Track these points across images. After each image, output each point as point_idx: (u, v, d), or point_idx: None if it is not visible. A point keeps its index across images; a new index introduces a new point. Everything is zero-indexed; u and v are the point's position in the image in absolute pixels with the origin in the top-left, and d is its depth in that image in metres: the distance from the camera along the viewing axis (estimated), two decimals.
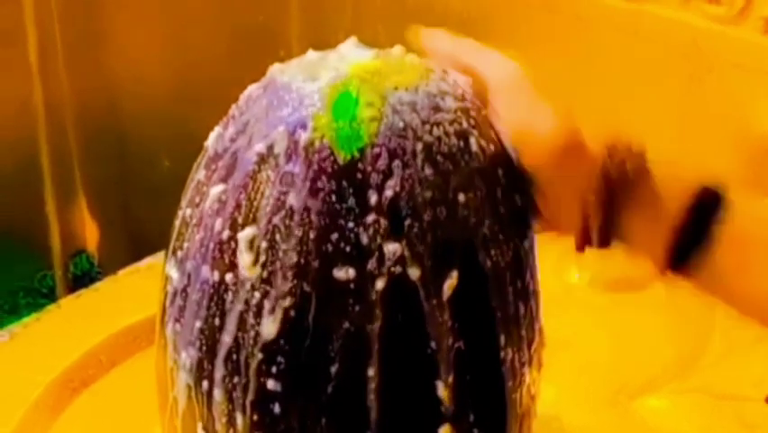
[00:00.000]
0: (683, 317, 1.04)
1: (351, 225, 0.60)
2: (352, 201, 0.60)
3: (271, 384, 0.62)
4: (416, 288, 0.61)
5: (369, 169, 0.61)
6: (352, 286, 0.60)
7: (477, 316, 0.65)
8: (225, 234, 0.63)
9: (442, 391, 0.62)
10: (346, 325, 0.61)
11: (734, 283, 0.70)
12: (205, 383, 0.64)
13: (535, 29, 1.42)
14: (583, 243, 0.71)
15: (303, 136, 0.62)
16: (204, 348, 0.64)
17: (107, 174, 2.09)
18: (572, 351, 0.97)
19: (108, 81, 2.01)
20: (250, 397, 0.62)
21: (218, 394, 0.64)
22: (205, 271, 0.64)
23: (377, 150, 0.61)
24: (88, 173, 2.09)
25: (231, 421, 0.64)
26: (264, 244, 0.61)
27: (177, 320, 0.65)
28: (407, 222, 0.61)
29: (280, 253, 0.61)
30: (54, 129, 2.00)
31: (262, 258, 0.61)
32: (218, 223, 0.63)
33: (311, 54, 0.67)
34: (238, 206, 0.62)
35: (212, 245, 0.63)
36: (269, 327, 0.61)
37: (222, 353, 0.63)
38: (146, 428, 0.85)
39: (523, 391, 0.69)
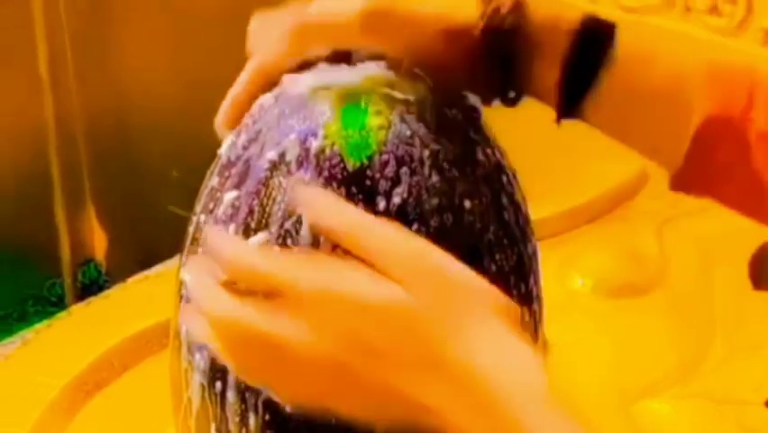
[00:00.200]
0: (685, 323, 1.06)
1: None
2: (360, 207, 0.62)
3: None
4: None
5: (377, 176, 0.63)
6: None
7: None
8: None
9: None
10: None
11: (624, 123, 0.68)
12: (218, 384, 0.66)
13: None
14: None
15: (314, 144, 0.64)
16: None
17: (116, 184, 2.10)
18: (575, 356, 0.99)
19: (117, 94, 2.02)
20: (262, 397, 0.64)
21: (231, 395, 0.66)
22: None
23: (385, 157, 0.63)
24: (97, 183, 2.11)
25: (243, 421, 0.66)
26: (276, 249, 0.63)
27: None
28: (415, 228, 0.63)
29: None
30: (64, 140, 2.02)
31: None
32: (231, 228, 0.65)
33: (322, 65, 0.69)
34: (251, 211, 0.64)
35: None
36: None
37: None
38: (158, 430, 0.87)
39: None
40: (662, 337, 1.05)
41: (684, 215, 1.19)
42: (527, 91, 0.67)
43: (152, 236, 2.02)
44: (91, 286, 2.10)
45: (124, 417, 0.92)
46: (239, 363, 0.58)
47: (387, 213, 0.62)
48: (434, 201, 0.64)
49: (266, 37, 0.68)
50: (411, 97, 0.65)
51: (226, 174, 0.67)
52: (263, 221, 0.64)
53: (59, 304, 2.04)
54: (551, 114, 0.69)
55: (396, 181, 0.63)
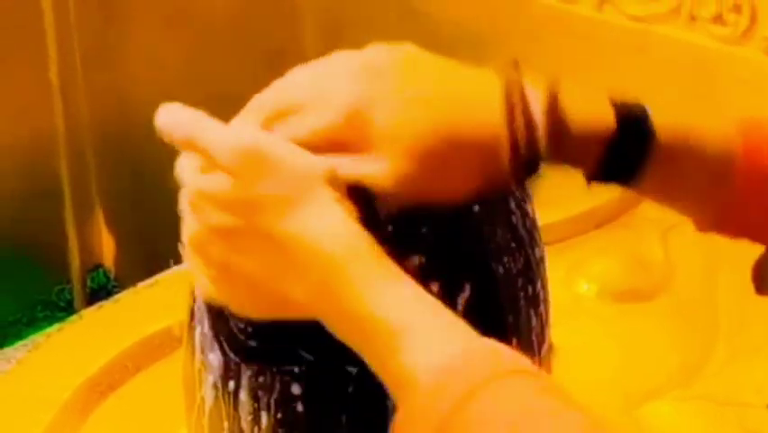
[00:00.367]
0: (688, 326, 1.07)
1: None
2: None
3: (294, 384, 0.65)
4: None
5: None
6: None
7: (489, 321, 0.68)
8: None
9: None
10: None
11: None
12: (231, 384, 0.67)
13: (545, 48, 1.44)
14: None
15: None
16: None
17: (124, 192, 2.12)
18: (580, 359, 1.00)
19: (126, 102, 2.04)
20: (274, 395, 0.66)
21: (244, 394, 0.67)
22: None
23: None
24: (106, 191, 2.12)
25: (256, 420, 0.67)
26: None
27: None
28: (424, 231, 0.64)
29: None
30: (73, 148, 2.04)
31: None
32: None
33: None
34: None
35: None
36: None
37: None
38: (170, 430, 0.88)
39: None
40: (666, 341, 1.06)
41: (688, 222, 1.20)
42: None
43: (160, 242, 2.04)
44: (100, 291, 2.12)
45: (137, 417, 0.94)
46: None
47: (394, 218, 0.63)
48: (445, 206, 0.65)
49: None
50: None
51: None
52: None
53: (68, 309, 2.06)
54: None
55: None
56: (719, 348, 1.04)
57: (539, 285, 0.72)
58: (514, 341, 0.70)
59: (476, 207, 0.66)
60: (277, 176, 0.59)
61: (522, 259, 0.69)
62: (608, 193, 1.31)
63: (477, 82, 0.64)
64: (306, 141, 0.61)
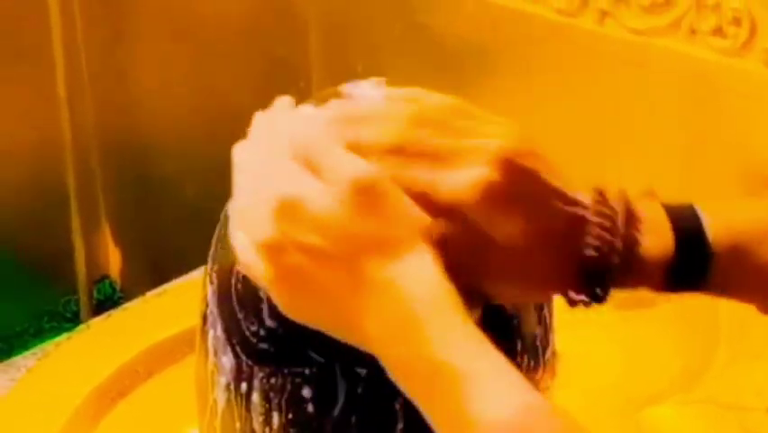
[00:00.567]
0: (689, 332, 1.08)
1: None
2: None
3: (305, 386, 0.67)
4: None
5: None
6: None
7: (495, 326, 0.69)
8: None
9: None
10: None
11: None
12: (243, 385, 0.69)
13: (546, 61, 1.45)
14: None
15: None
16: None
17: (130, 203, 2.13)
18: (584, 364, 1.01)
19: (132, 114, 2.06)
20: (285, 397, 0.67)
21: (256, 395, 0.69)
22: None
23: None
24: (112, 202, 2.14)
25: (267, 420, 0.69)
26: None
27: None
28: None
29: None
30: (80, 159, 2.05)
31: None
32: None
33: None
34: None
35: None
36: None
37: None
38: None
39: None
40: (668, 346, 1.07)
41: None
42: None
43: (166, 254, 2.05)
44: (106, 302, 2.13)
45: (147, 422, 0.95)
46: None
47: None
48: None
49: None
50: None
51: None
52: None
53: (75, 320, 2.07)
54: None
55: None
56: (720, 353, 1.05)
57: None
58: (519, 344, 0.72)
59: None
60: (386, 218, 0.59)
61: None
62: None
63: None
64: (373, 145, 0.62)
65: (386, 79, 0.70)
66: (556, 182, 0.64)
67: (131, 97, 2.04)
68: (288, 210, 0.60)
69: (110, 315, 1.22)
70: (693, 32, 1.32)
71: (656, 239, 0.66)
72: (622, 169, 1.38)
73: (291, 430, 0.68)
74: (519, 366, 0.70)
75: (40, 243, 2.06)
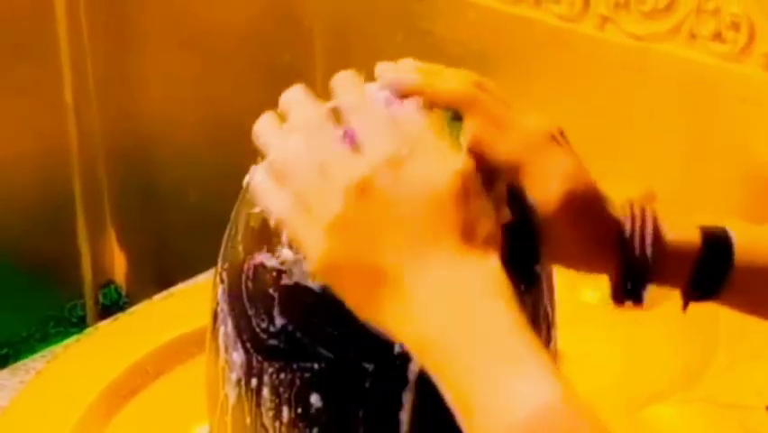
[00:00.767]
0: (690, 333, 1.08)
1: None
2: None
3: (314, 380, 0.68)
4: None
5: None
6: None
7: None
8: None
9: None
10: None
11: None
12: (254, 381, 0.71)
13: (547, 66, 1.47)
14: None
15: None
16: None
17: (136, 209, 2.15)
18: (586, 363, 1.02)
19: (138, 119, 2.07)
20: (294, 391, 0.69)
21: (266, 390, 0.70)
22: None
23: None
24: (118, 208, 2.15)
25: (277, 415, 0.70)
26: None
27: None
28: None
29: None
30: (86, 165, 2.07)
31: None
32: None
33: None
34: None
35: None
36: None
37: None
38: (189, 430, 0.92)
39: None
40: (669, 346, 1.08)
41: None
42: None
43: (171, 258, 2.07)
44: (111, 307, 2.15)
45: (158, 419, 0.97)
46: None
47: None
48: None
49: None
50: None
51: None
52: None
53: (80, 325, 2.09)
54: None
55: None
56: (720, 353, 1.05)
57: (546, 300, 0.76)
58: None
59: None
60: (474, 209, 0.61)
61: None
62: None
63: None
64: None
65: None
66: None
67: (136, 104, 2.06)
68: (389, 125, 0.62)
69: (117, 318, 1.23)
70: (693, 36, 1.33)
71: (684, 235, 0.70)
72: (623, 172, 1.39)
73: (300, 424, 0.69)
74: None
75: (46, 248, 2.08)
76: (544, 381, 0.57)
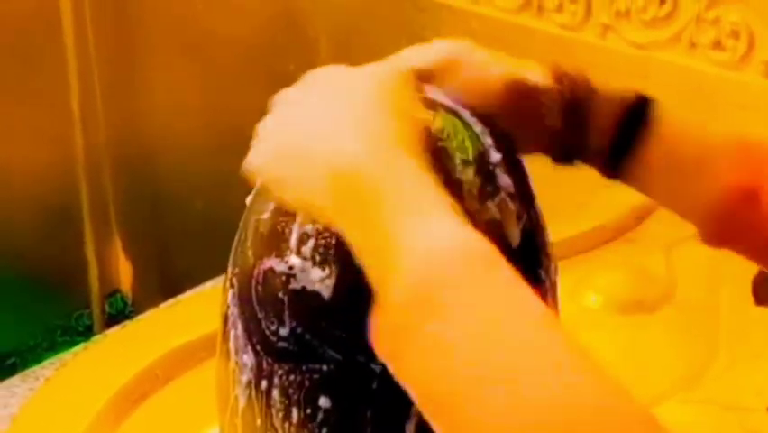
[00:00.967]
0: (690, 335, 1.10)
1: None
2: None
3: (323, 382, 0.70)
4: None
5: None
6: None
7: None
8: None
9: None
10: None
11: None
12: (264, 382, 0.72)
13: None
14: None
15: None
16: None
17: (142, 219, 2.16)
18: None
19: (144, 128, 2.08)
20: (304, 393, 0.70)
21: (276, 392, 0.71)
22: None
23: None
24: (124, 218, 2.17)
25: (287, 416, 0.71)
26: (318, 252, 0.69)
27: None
28: None
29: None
30: (92, 176, 2.08)
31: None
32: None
33: None
34: None
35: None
36: None
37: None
38: None
39: None
40: (670, 349, 1.09)
41: (690, 237, 1.23)
42: (579, 153, 0.76)
43: (176, 268, 2.08)
44: (117, 316, 2.16)
45: (168, 423, 0.98)
46: None
47: None
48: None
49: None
50: None
51: None
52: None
53: (87, 334, 2.10)
54: None
55: None
56: (721, 355, 1.06)
57: (549, 298, 0.77)
58: None
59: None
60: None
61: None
62: (615, 211, 1.35)
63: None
64: None
65: None
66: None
67: (142, 114, 2.07)
68: None
69: (125, 325, 1.24)
70: (693, 45, 1.34)
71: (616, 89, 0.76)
72: None
73: (310, 425, 0.70)
74: None
75: (52, 258, 2.09)
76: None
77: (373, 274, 0.60)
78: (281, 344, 0.70)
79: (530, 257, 0.74)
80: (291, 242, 0.69)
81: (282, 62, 1.80)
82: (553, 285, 0.79)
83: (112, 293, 2.19)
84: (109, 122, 2.06)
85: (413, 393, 0.57)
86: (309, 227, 0.69)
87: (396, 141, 0.62)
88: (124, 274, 2.20)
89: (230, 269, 0.75)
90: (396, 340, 0.57)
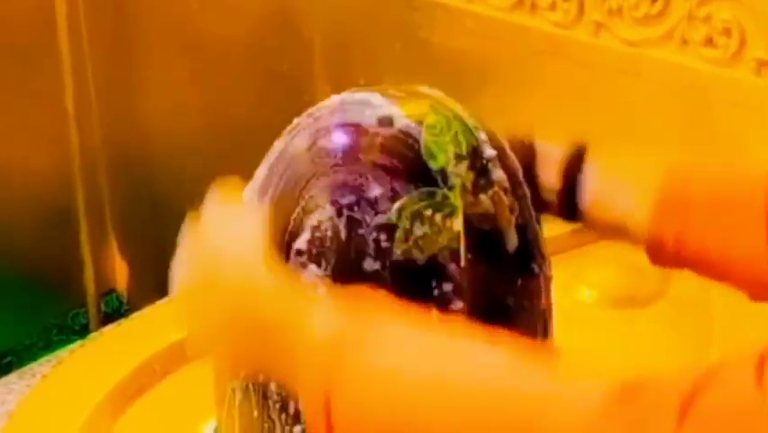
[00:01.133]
0: (683, 331, 1.10)
1: None
2: None
3: None
4: None
5: None
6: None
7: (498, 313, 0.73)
8: None
9: None
10: None
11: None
12: (260, 375, 0.73)
13: (543, 72, 1.48)
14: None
15: None
16: None
17: (137, 218, 2.16)
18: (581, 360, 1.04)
19: (139, 128, 2.08)
20: None
21: (273, 385, 0.72)
22: None
23: None
24: (120, 217, 2.17)
25: (284, 407, 0.72)
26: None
27: None
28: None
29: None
30: (88, 176, 2.08)
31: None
32: None
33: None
34: None
35: None
36: None
37: None
38: (195, 428, 0.94)
39: None
40: (663, 344, 1.09)
41: None
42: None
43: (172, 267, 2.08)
44: (113, 315, 2.16)
45: (165, 418, 0.98)
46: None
47: None
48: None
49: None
50: None
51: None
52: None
53: (83, 333, 2.10)
54: None
55: None
56: (713, 350, 1.07)
57: (543, 294, 0.78)
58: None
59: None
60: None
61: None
62: None
63: None
64: None
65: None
66: None
67: (137, 113, 2.07)
68: None
69: (121, 323, 1.25)
70: (685, 42, 1.34)
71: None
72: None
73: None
74: None
75: (48, 257, 2.09)
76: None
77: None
78: None
79: (524, 251, 0.75)
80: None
81: (277, 62, 1.80)
82: (547, 279, 0.80)
83: (108, 292, 2.20)
84: (104, 122, 2.06)
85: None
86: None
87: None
88: (120, 273, 2.20)
89: None
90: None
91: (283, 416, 0.72)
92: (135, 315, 1.29)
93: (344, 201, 0.70)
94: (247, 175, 0.80)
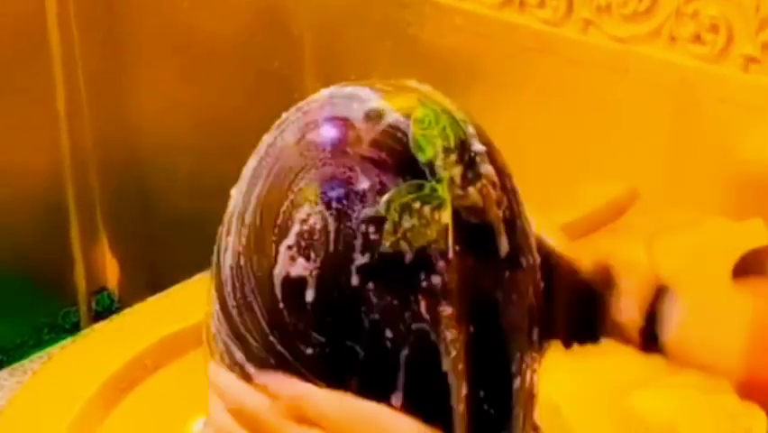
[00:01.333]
0: None
1: None
2: None
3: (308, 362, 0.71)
4: None
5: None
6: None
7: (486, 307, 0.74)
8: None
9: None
10: (375, 317, 0.70)
11: None
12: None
13: (532, 69, 1.50)
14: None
15: None
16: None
17: (128, 216, 2.17)
18: (571, 355, 1.05)
19: (130, 127, 2.09)
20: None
21: None
22: None
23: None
24: (110, 216, 2.17)
25: None
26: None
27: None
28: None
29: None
30: (79, 175, 2.09)
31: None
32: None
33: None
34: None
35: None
36: None
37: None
38: (186, 422, 0.94)
39: (526, 378, 0.77)
40: None
41: (670, 229, 1.25)
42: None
43: (162, 266, 2.08)
44: (104, 313, 2.17)
45: (156, 410, 0.99)
46: None
47: None
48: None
49: None
50: None
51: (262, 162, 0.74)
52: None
53: (74, 331, 2.10)
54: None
55: None
56: None
57: (531, 288, 0.79)
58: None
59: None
60: None
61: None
62: (595, 203, 1.36)
63: None
64: None
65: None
66: None
67: (128, 113, 2.08)
68: None
69: (113, 319, 1.25)
70: (673, 39, 1.36)
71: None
72: (605, 171, 1.42)
73: None
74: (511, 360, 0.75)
75: (39, 256, 2.09)
76: None
77: None
78: (269, 353, 0.71)
79: (512, 245, 0.76)
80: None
81: (267, 60, 1.81)
82: (535, 273, 0.80)
83: (98, 291, 2.20)
84: (95, 121, 2.06)
85: None
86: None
87: None
88: (111, 272, 2.21)
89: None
90: None
91: None
92: (126, 310, 1.30)
93: (333, 194, 0.70)
94: (237, 173, 0.80)
